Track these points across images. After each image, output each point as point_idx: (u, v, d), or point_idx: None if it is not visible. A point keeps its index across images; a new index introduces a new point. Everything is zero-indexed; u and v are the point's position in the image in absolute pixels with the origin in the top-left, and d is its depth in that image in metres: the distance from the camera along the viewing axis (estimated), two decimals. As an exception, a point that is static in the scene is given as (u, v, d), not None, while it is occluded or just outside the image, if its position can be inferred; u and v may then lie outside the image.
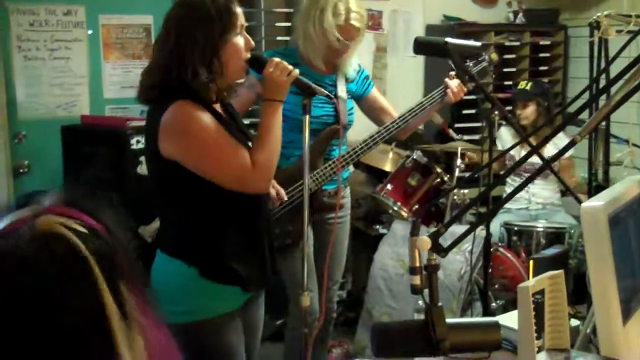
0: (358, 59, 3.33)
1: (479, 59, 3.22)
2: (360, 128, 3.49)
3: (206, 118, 2.21)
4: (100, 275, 0.84)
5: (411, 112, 3.18)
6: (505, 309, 3.73)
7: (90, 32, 4.54)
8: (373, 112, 3.39)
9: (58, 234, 0.84)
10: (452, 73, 3.17)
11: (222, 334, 2.36)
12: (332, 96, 2.58)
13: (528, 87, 4.65)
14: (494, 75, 4.79)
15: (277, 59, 2.36)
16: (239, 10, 2.29)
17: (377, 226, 4.66)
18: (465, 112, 5.14)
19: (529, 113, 4.59)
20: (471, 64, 3.15)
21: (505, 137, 4.70)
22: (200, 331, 2.30)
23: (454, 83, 3.16)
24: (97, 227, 0.89)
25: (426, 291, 1.39)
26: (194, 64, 2.19)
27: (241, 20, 2.29)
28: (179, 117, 2.19)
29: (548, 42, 5.61)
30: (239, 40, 2.28)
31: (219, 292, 2.33)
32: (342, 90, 3.21)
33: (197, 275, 2.29)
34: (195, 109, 2.20)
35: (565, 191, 4.52)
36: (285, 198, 3.00)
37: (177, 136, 2.21)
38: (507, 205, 4.59)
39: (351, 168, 3.62)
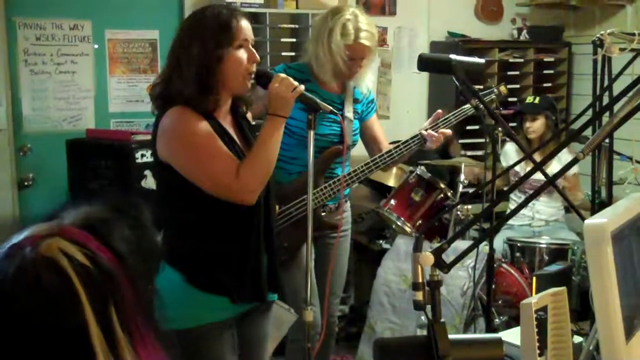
0: (370, 80, 3.33)
1: (488, 91, 3.22)
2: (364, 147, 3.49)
3: (198, 123, 2.27)
4: (87, 305, 0.89)
5: (390, 154, 3.16)
6: (508, 325, 3.72)
7: (96, 46, 4.57)
8: (366, 138, 3.39)
9: (54, 262, 0.89)
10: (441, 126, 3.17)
11: (208, 343, 2.37)
12: (336, 112, 2.59)
13: (537, 101, 4.65)
14: (501, 109, 4.79)
15: (282, 75, 2.38)
16: (243, 24, 2.32)
17: (381, 241, 4.66)
18: (468, 127, 5.15)
19: (537, 126, 4.57)
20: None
21: (510, 153, 4.69)
22: (186, 339, 2.31)
23: (433, 134, 3.12)
24: (102, 254, 0.93)
25: (429, 307, 1.40)
26: (187, 77, 2.26)
27: (245, 34, 2.32)
28: (172, 120, 2.27)
29: (552, 59, 5.62)
30: (239, 53, 2.31)
31: (206, 301, 2.34)
32: (349, 110, 3.22)
33: (182, 282, 2.32)
34: (189, 113, 2.26)
35: (569, 208, 4.52)
36: None
37: (168, 137, 2.29)
38: (509, 222, 4.59)
39: (354, 184, 3.63)
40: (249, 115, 2.59)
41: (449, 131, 3.16)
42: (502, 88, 3.26)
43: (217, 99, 2.32)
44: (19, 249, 0.90)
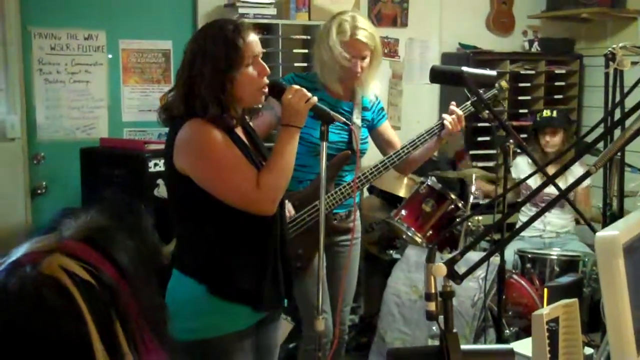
0: (377, 88, 3.35)
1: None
2: (372, 155, 3.51)
3: (218, 135, 2.28)
4: (91, 322, 0.88)
5: (412, 144, 3.19)
6: (518, 337, 3.72)
7: (110, 56, 4.61)
8: (381, 144, 3.40)
9: (56, 280, 0.88)
10: (454, 103, 3.19)
11: (229, 352, 2.38)
12: (349, 123, 2.61)
13: (554, 115, 4.62)
14: (505, 103, 4.77)
15: (296, 86, 2.41)
16: (251, 39, 2.34)
17: (391, 251, 4.67)
18: (480, 139, 5.16)
19: (557, 141, 4.55)
20: (481, 91, 3.16)
21: (522, 166, 4.69)
22: (207, 349, 2.34)
23: (448, 117, 3.16)
24: (103, 268, 0.92)
25: (441, 317, 1.41)
26: (203, 98, 2.27)
27: (254, 49, 2.34)
28: (191, 133, 2.28)
29: (563, 71, 5.62)
30: (250, 71, 2.33)
31: (228, 310, 2.36)
32: (357, 117, 3.24)
33: (206, 292, 2.33)
34: (209, 126, 2.27)
35: (580, 219, 4.51)
36: (293, 212, 3.02)
37: (188, 151, 2.29)
38: (520, 233, 4.58)
39: (365, 193, 3.63)
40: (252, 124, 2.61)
41: (460, 112, 3.17)
42: (503, 83, 3.26)
43: (235, 116, 2.36)
44: (19, 267, 0.89)
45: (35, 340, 0.86)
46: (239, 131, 2.43)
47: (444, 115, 3.18)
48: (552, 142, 4.55)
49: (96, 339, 0.87)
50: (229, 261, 2.36)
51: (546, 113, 4.68)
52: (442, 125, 3.17)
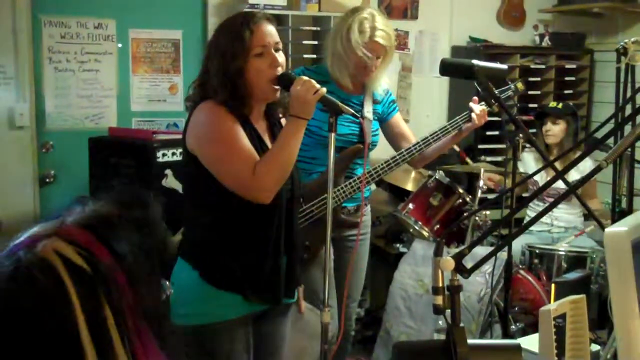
0: (386, 82, 3.35)
1: (505, 87, 3.21)
2: (382, 148, 3.50)
3: (225, 118, 2.32)
4: (78, 307, 0.88)
5: (434, 135, 3.18)
6: (524, 332, 3.71)
7: (120, 45, 4.61)
8: (393, 136, 3.39)
9: (48, 263, 0.89)
10: (476, 98, 3.17)
11: (219, 340, 2.39)
12: (358, 115, 2.60)
13: (560, 106, 4.63)
14: (517, 105, 4.74)
15: (304, 77, 2.39)
16: (262, 30, 2.36)
17: (398, 245, 4.66)
18: (488, 133, 5.14)
19: (557, 131, 4.54)
20: (496, 91, 3.14)
21: (528, 161, 4.68)
22: (198, 335, 2.35)
23: (477, 108, 3.15)
24: (99, 254, 0.92)
25: (448, 311, 1.40)
26: (214, 86, 2.33)
27: (264, 40, 2.36)
28: (201, 113, 2.35)
29: (574, 66, 5.60)
30: (258, 63, 2.35)
31: (218, 297, 2.37)
32: (368, 110, 3.23)
33: (198, 278, 2.36)
34: (218, 108, 2.32)
35: (588, 215, 4.50)
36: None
37: (197, 129, 2.35)
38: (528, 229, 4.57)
39: (373, 187, 3.62)
40: (284, 121, 2.60)
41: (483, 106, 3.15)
42: (519, 84, 3.24)
43: (248, 106, 2.38)
44: (17, 250, 0.90)
45: (23, 322, 0.87)
46: (259, 124, 2.45)
47: (472, 105, 3.15)
48: (553, 130, 4.54)
49: (82, 324, 0.88)
50: (223, 248, 2.38)
51: (552, 104, 4.71)
52: (468, 117, 3.14)
